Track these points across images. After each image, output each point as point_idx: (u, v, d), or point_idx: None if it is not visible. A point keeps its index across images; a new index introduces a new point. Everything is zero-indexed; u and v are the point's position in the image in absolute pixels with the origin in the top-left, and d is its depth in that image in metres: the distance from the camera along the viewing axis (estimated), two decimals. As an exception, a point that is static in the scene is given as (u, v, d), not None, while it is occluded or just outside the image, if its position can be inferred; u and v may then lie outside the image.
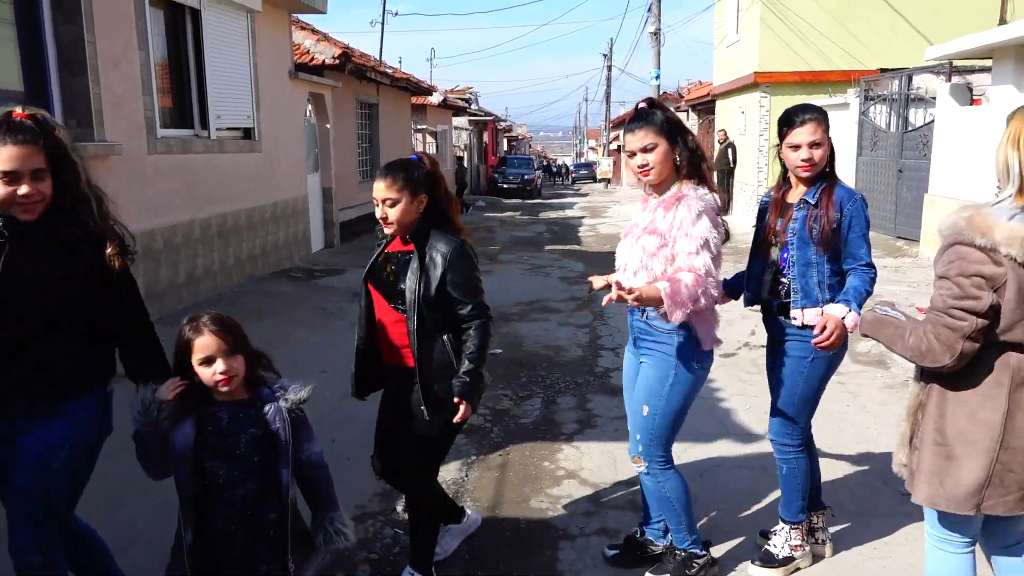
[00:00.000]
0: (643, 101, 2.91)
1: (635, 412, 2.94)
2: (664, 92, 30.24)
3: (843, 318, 2.80)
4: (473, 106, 32.51)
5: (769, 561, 3.14)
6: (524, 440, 4.64)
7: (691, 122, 25.57)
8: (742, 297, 3.22)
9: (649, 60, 23.46)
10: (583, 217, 21.69)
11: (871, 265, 2.92)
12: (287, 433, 2.24)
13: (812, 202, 2.93)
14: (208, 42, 8.42)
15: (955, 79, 10.22)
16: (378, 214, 2.80)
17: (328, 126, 12.81)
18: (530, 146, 73.67)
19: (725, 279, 3.18)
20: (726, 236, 2.81)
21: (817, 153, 2.90)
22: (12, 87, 5.77)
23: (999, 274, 2.03)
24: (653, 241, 2.76)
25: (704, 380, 2.93)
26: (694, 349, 2.80)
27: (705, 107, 23.06)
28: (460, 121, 30.50)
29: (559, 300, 8.96)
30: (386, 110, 17.05)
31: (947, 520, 2.30)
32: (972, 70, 10.90)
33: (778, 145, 3.03)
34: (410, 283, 2.76)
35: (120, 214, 2.49)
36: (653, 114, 2.82)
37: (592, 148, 68.93)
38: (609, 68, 42.40)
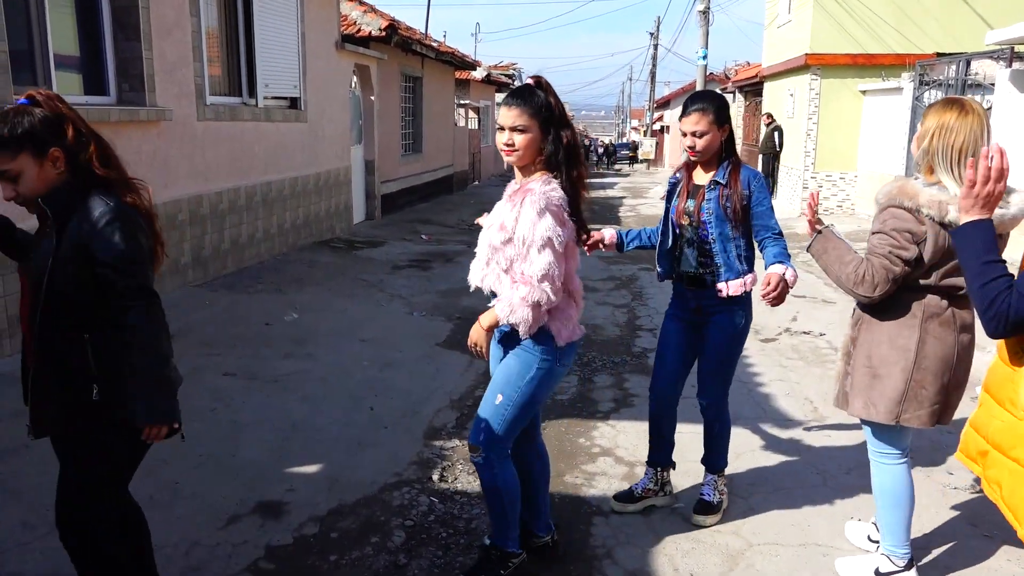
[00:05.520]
0: (532, 79, 2.80)
1: (487, 400, 2.83)
2: (711, 73, 29.77)
3: (783, 275, 3.10)
4: (516, 83, 32.32)
5: (709, 510, 3.46)
6: (560, 416, 4.65)
7: (737, 104, 25.15)
8: (656, 274, 3.49)
9: (697, 40, 23.11)
10: (624, 197, 21.53)
11: (781, 234, 3.25)
12: None
13: (723, 182, 3.20)
14: (257, 11, 8.49)
15: (1016, 65, 9.88)
16: (3, 195, 2.15)
17: (373, 98, 12.85)
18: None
19: (623, 231, 3.51)
20: (582, 230, 2.78)
21: (699, 142, 3.18)
22: (68, 51, 5.88)
23: (921, 231, 2.59)
24: (499, 236, 2.70)
25: (562, 375, 2.89)
26: (551, 345, 2.74)
27: (752, 89, 22.65)
28: (503, 98, 30.36)
29: (597, 279, 8.93)
30: (430, 84, 17.05)
31: (881, 436, 2.86)
32: (1035, 56, 10.52)
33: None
34: (37, 265, 2.14)
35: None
36: (535, 96, 2.70)
37: (634, 128, 68.16)
38: (655, 47, 41.79)
